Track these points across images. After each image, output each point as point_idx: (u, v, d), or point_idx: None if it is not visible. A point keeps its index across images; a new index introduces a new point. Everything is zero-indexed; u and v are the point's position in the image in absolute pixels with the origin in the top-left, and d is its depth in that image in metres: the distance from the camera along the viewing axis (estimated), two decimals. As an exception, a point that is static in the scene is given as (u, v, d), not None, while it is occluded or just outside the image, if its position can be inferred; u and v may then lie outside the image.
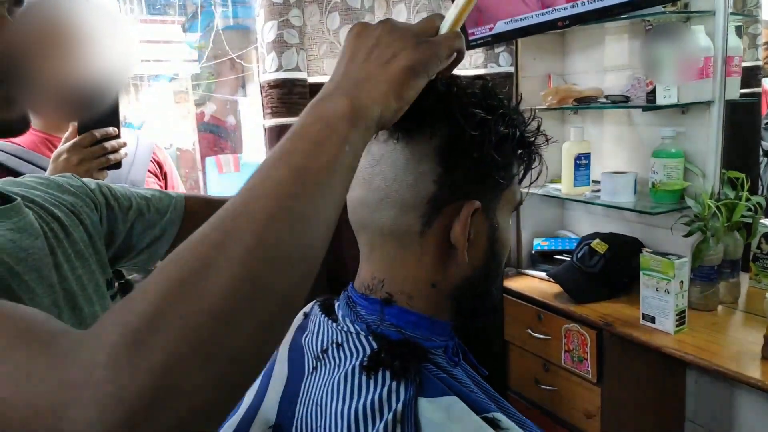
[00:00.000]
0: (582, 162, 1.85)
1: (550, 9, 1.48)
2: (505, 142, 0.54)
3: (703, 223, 1.51)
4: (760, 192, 1.70)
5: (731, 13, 1.58)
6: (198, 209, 0.83)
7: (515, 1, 1.54)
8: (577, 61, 2.03)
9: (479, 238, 0.56)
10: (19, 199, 0.63)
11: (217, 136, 5.36)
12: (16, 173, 1.13)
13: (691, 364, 1.46)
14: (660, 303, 1.45)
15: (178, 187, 1.52)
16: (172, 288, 0.34)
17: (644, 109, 1.73)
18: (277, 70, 1.62)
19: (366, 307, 0.57)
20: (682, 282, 1.44)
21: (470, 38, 1.66)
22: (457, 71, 0.53)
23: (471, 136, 0.52)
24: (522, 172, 0.59)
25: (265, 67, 1.64)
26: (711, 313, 1.54)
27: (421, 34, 0.49)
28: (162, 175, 1.46)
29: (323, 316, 0.60)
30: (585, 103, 1.85)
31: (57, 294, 0.61)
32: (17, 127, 0.58)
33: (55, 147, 1.12)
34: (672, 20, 1.62)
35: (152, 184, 1.39)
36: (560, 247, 1.99)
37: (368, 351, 0.53)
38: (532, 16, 1.52)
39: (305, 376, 0.57)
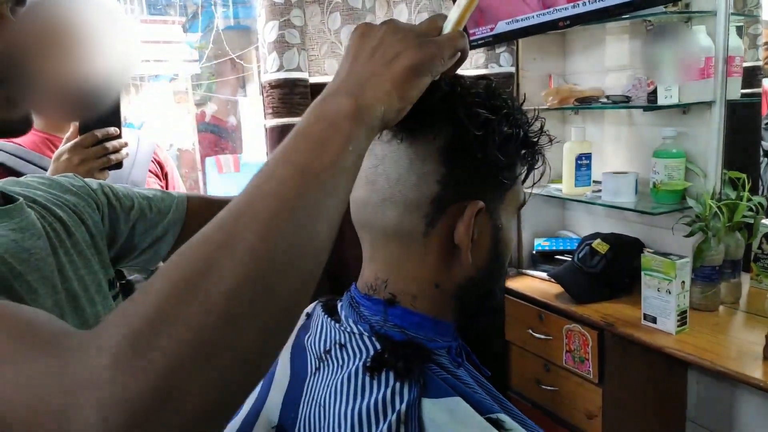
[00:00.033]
0: (583, 162, 1.85)
1: (551, 9, 1.47)
2: (509, 142, 0.54)
3: (704, 223, 1.51)
4: (760, 192, 1.70)
5: (732, 14, 1.58)
6: (200, 209, 0.83)
7: (516, 2, 1.54)
8: (578, 62, 2.03)
9: (483, 239, 0.56)
10: (21, 199, 0.63)
11: (218, 136, 5.36)
12: (17, 173, 1.13)
13: (692, 364, 1.46)
14: (661, 303, 1.45)
15: (179, 187, 1.52)
16: (174, 289, 0.34)
17: (645, 109, 1.73)
18: (278, 70, 1.62)
19: (369, 307, 0.57)
20: (683, 282, 1.43)
21: (471, 38, 1.65)
22: (458, 72, 0.53)
23: (475, 136, 0.52)
24: (525, 172, 0.59)
25: (266, 67, 1.64)
26: (712, 314, 1.54)
27: (424, 34, 0.49)
28: (163, 175, 1.46)
29: (326, 316, 0.60)
30: (586, 103, 1.85)
31: (59, 294, 0.61)
32: (19, 127, 0.58)
33: (56, 147, 1.11)
34: (673, 20, 1.62)
35: (153, 184, 1.39)
36: (561, 248, 1.99)
37: (371, 352, 0.53)
38: (533, 17, 1.52)
39: (308, 377, 0.57)
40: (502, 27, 1.62)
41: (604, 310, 1.63)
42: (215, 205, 0.85)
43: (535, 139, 0.57)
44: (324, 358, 0.56)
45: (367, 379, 0.51)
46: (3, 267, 0.55)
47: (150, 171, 1.40)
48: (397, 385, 0.49)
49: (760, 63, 1.72)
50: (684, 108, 1.65)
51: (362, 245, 0.60)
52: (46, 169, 1.10)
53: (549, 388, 1.78)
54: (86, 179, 0.77)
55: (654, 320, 1.48)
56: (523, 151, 0.57)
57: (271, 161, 0.41)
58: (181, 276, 0.35)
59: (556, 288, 1.78)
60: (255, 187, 0.39)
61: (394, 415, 0.47)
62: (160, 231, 0.79)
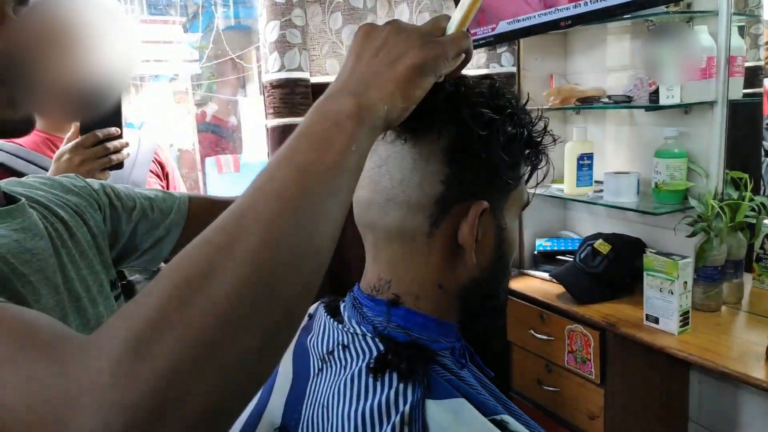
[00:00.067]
0: (585, 162, 1.85)
1: (553, 9, 1.47)
2: (513, 142, 0.54)
3: (706, 223, 1.51)
4: (762, 192, 1.70)
5: (733, 13, 1.57)
6: (202, 210, 0.83)
7: (518, 1, 1.54)
8: (580, 61, 2.03)
9: (487, 239, 0.55)
10: (23, 199, 0.62)
11: (218, 136, 5.36)
12: (18, 173, 1.13)
13: (694, 365, 1.46)
14: (664, 303, 1.45)
15: (180, 187, 1.52)
16: (176, 292, 0.34)
17: (647, 109, 1.72)
18: (279, 70, 1.62)
19: (372, 308, 0.57)
20: (685, 282, 1.43)
21: (473, 38, 1.66)
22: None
23: (479, 136, 0.52)
24: (529, 172, 0.59)
25: (267, 67, 1.64)
26: (714, 314, 1.54)
27: (428, 34, 0.48)
28: (164, 175, 1.46)
29: (328, 317, 0.59)
30: (588, 103, 1.85)
31: (61, 295, 0.61)
32: (22, 128, 0.58)
33: (57, 147, 1.11)
34: (675, 20, 1.62)
35: (154, 185, 1.39)
36: (563, 248, 1.98)
37: (375, 353, 0.52)
38: (534, 16, 1.52)
39: (311, 378, 0.57)
40: (503, 27, 1.62)
41: (606, 310, 1.63)
42: (217, 205, 0.85)
43: (539, 139, 0.57)
44: (327, 359, 0.56)
45: (371, 380, 0.51)
46: (5, 267, 0.55)
47: (151, 171, 1.40)
48: (401, 386, 0.49)
49: (762, 63, 1.72)
50: (686, 108, 1.65)
51: (365, 245, 0.59)
52: (46, 170, 1.10)
53: (550, 388, 1.77)
54: (88, 179, 0.77)
55: (656, 321, 1.48)
56: (527, 151, 0.57)
57: (273, 162, 0.40)
58: (183, 278, 0.34)
59: (557, 288, 1.77)
60: (257, 188, 0.39)
61: (398, 416, 0.47)
62: (161, 231, 0.79)
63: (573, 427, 1.71)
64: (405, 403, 0.48)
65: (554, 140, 0.58)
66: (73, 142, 1.06)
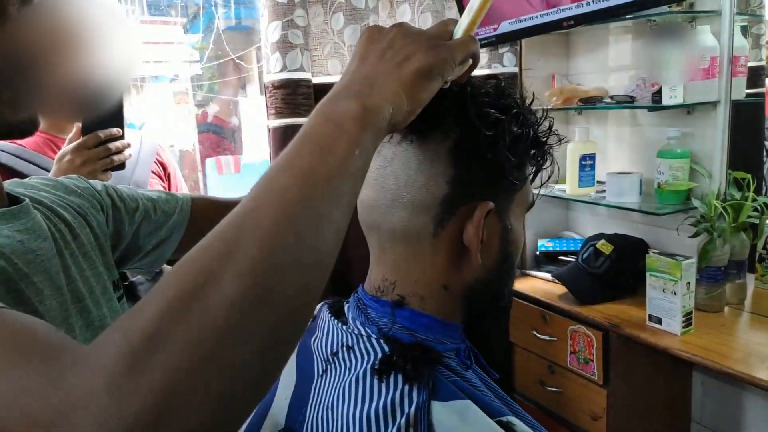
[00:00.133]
0: (587, 162, 1.84)
1: (555, 9, 1.47)
2: (518, 142, 0.54)
3: (709, 223, 1.50)
4: (765, 192, 1.69)
5: (736, 13, 1.57)
6: (205, 211, 0.83)
7: (520, 2, 1.53)
8: (582, 62, 2.03)
9: (492, 240, 0.55)
10: (27, 200, 0.62)
11: (220, 136, 5.36)
12: (20, 174, 1.13)
13: (697, 365, 1.46)
14: (667, 304, 1.45)
15: (182, 188, 1.52)
16: (173, 303, 0.33)
17: (650, 109, 1.72)
18: (281, 71, 1.62)
19: (377, 309, 0.56)
20: (688, 283, 1.43)
21: (474, 39, 1.65)
22: None
23: (485, 137, 0.52)
24: (534, 172, 0.59)
25: (269, 68, 1.64)
26: (717, 315, 1.53)
27: (435, 37, 0.48)
28: (166, 176, 1.45)
29: (332, 318, 0.59)
30: (590, 103, 1.84)
31: (65, 296, 0.61)
32: (26, 129, 0.57)
33: (59, 148, 1.11)
34: (677, 20, 1.62)
35: (156, 185, 1.39)
36: (565, 248, 1.98)
37: (380, 354, 0.52)
38: (536, 17, 1.52)
39: (315, 380, 0.56)
40: (505, 27, 1.62)
41: (609, 311, 1.62)
42: (220, 206, 0.84)
43: (544, 139, 0.57)
44: (331, 360, 0.56)
45: (376, 381, 0.50)
46: (10, 268, 0.54)
47: (153, 172, 1.39)
48: (406, 387, 0.49)
49: (764, 63, 1.72)
50: (688, 108, 1.65)
51: (369, 246, 0.59)
52: (48, 170, 1.10)
53: (553, 389, 1.77)
54: (90, 180, 0.77)
55: (659, 321, 1.47)
56: (532, 151, 0.57)
57: (275, 166, 0.39)
58: (180, 290, 0.33)
59: (560, 289, 1.77)
60: (258, 193, 0.38)
61: (403, 418, 0.47)
62: (164, 233, 0.79)
63: (576, 428, 1.71)
64: (410, 405, 0.48)
65: (559, 140, 0.58)
66: (75, 143, 1.06)
